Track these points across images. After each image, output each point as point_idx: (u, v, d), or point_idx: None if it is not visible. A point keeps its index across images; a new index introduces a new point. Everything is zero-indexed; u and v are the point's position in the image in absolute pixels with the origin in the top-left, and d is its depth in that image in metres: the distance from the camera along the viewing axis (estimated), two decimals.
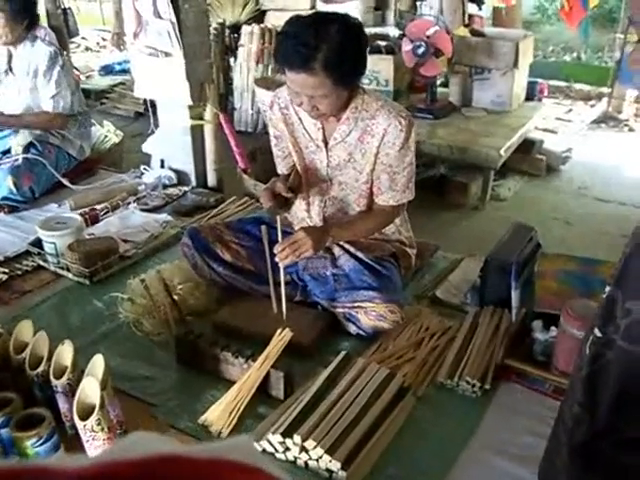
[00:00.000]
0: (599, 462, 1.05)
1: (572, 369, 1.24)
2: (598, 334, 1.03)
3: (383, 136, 1.92)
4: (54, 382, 1.54)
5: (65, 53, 3.07)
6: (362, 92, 1.94)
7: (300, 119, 2.03)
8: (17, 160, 2.96)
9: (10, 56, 3.05)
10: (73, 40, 8.04)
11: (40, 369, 1.59)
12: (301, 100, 1.82)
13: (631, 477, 1.03)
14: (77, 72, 6.60)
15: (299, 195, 2.12)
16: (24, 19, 2.95)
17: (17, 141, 3.05)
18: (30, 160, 2.98)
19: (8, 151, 3.11)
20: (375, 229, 2.12)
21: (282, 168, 2.20)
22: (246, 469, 0.27)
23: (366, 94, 1.95)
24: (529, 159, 4.51)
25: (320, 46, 1.71)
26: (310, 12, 2.09)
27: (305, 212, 2.16)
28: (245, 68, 5.13)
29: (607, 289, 1.05)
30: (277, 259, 1.90)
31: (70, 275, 2.39)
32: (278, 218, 1.97)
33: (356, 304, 1.96)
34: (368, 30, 3.26)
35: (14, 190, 2.90)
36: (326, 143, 2.01)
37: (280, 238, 1.93)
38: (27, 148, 3.04)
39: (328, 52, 1.71)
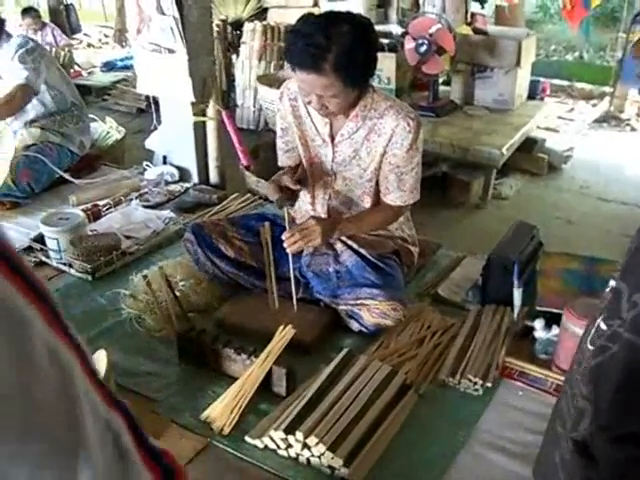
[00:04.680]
0: (601, 457, 1.05)
1: (570, 364, 1.24)
2: (603, 327, 1.03)
3: (391, 136, 1.92)
4: None
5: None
6: (372, 91, 1.95)
7: (308, 113, 2.04)
8: (16, 158, 2.96)
9: None
10: (75, 36, 8.06)
11: None
12: (310, 99, 1.83)
13: (633, 473, 1.03)
14: (79, 68, 6.62)
15: (304, 188, 2.13)
16: None
17: (16, 144, 3.04)
18: (29, 157, 2.99)
19: None
20: (382, 225, 2.12)
21: (284, 161, 2.21)
22: None
23: (375, 93, 1.95)
24: (531, 158, 4.50)
25: (331, 47, 1.70)
26: (321, 11, 2.09)
27: (309, 205, 2.17)
28: (247, 65, 5.13)
29: (611, 283, 1.06)
30: (285, 245, 1.91)
31: (72, 271, 2.39)
32: (285, 210, 1.99)
33: (359, 301, 1.96)
34: None
35: (12, 186, 2.91)
36: (332, 139, 2.02)
37: (288, 228, 1.96)
38: (27, 147, 3.04)
39: (338, 53, 1.71)
